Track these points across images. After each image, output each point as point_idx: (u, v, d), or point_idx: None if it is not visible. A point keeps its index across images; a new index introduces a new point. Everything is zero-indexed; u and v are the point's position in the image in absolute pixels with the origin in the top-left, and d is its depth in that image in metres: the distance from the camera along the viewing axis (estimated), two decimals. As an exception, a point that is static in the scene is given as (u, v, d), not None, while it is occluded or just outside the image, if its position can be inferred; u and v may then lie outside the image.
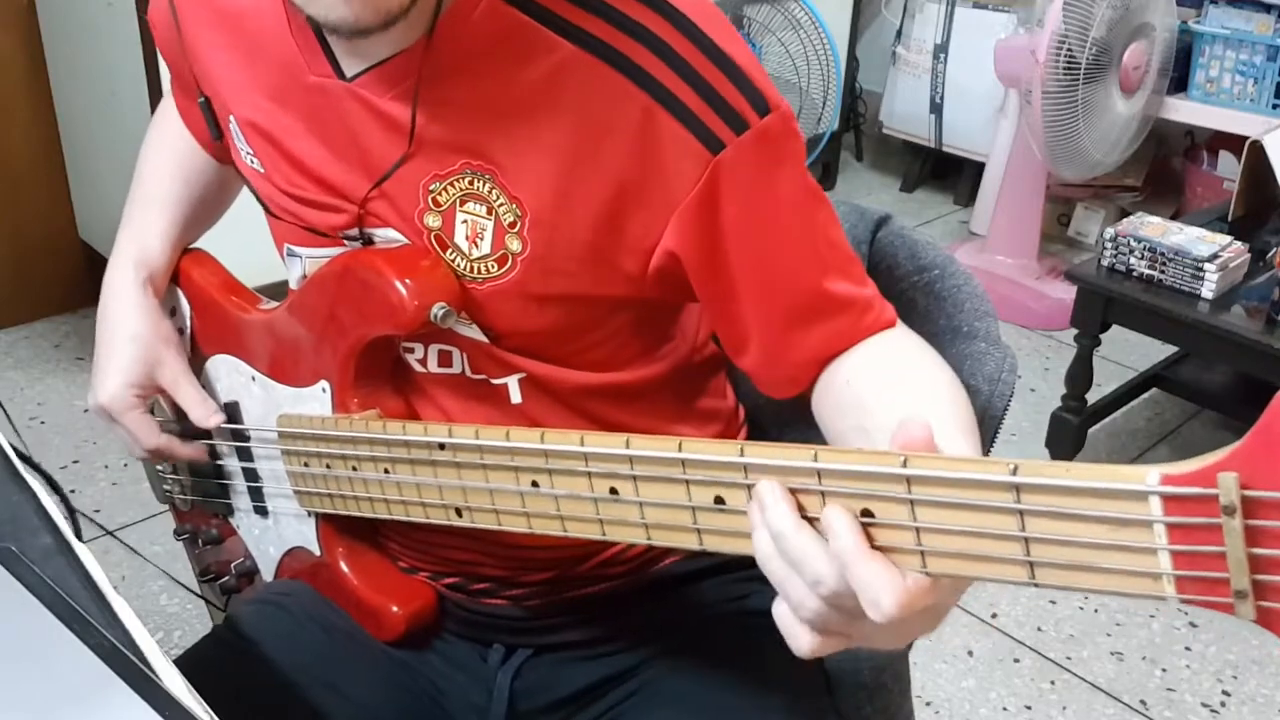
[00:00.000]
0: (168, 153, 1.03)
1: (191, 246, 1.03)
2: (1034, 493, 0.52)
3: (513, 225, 0.77)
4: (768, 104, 0.74)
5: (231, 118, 0.88)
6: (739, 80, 0.74)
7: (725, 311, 0.79)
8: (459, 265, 0.79)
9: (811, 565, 0.57)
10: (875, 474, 0.56)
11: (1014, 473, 0.52)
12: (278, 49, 0.82)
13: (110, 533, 1.10)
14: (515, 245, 0.77)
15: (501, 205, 0.76)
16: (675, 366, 0.88)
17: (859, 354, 0.79)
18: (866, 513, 0.57)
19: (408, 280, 0.78)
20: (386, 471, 0.80)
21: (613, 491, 0.67)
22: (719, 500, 0.63)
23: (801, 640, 0.59)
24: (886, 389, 0.76)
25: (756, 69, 0.75)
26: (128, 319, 0.95)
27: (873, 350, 0.79)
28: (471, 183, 0.77)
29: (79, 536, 0.74)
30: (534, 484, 0.71)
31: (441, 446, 0.75)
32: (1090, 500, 0.51)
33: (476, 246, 0.78)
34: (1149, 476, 0.49)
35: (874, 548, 0.57)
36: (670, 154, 0.73)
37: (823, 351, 0.79)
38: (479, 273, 0.79)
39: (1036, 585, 0.54)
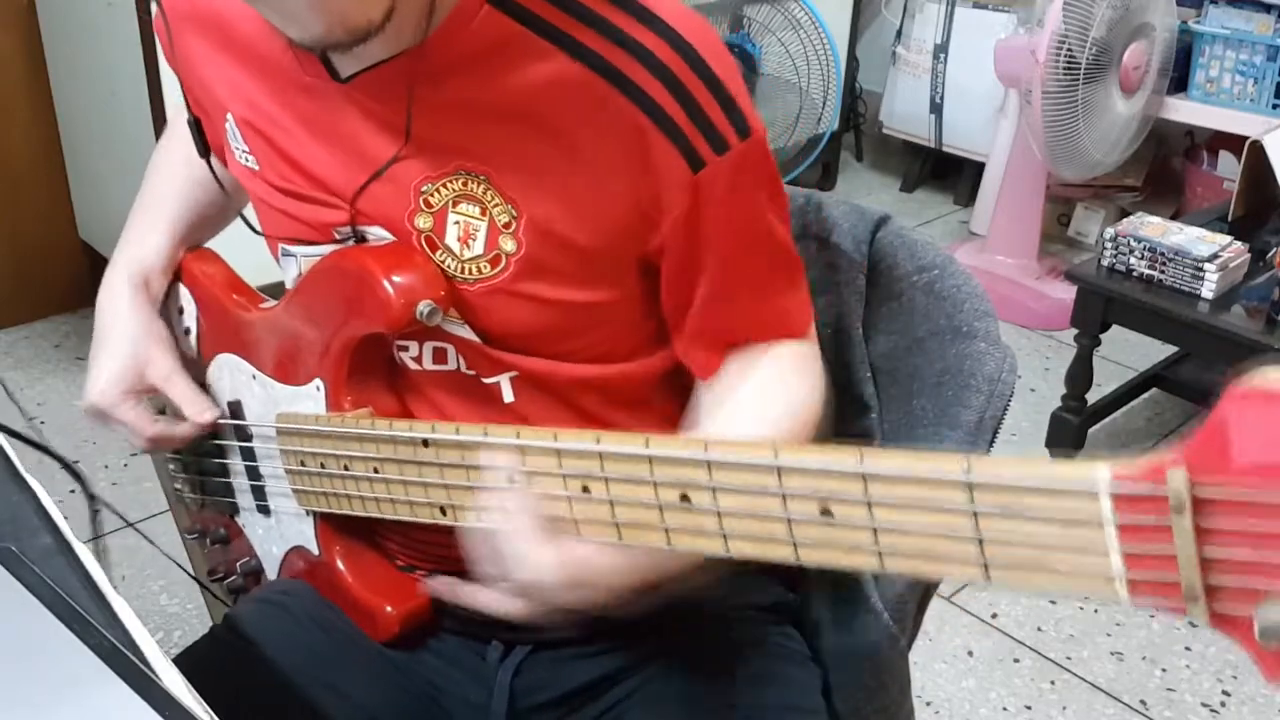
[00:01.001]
0: (176, 157, 1.03)
1: (199, 246, 1.04)
2: (986, 491, 0.52)
3: (508, 226, 0.77)
4: (748, 127, 0.78)
5: (229, 116, 0.88)
6: (725, 102, 0.77)
7: (680, 297, 0.83)
8: (449, 266, 0.80)
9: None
10: (833, 471, 0.57)
11: (968, 470, 0.52)
12: (272, 50, 0.82)
13: (109, 534, 1.10)
14: (509, 245, 0.78)
15: (497, 206, 0.77)
16: (674, 361, 0.88)
17: (754, 356, 0.84)
18: (826, 512, 0.57)
19: (394, 278, 0.78)
20: (376, 471, 0.80)
21: (585, 490, 0.67)
22: (684, 498, 0.63)
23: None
24: (730, 388, 0.84)
25: (741, 91, 0.78)
26: (119, 319, 0.96)
27: (764, 361, 0.84)
28: (465, 184, 0.77)
29: (98, 526, 0.73)
30: (511, 482, 0.71)
31: (425, 443, 0.75)
32: (1041, 499, 0.50)
33: (468, 247, 0.79)
34: (1099, 474, 0.48)
35: (832, 547, 0.59)
36: (660, 168, 0.76)
37: (732, 340, 0.84)
38: (470, 273, 0.79)
39: (991, 585, 0.54)
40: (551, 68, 0.75)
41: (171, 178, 1.03)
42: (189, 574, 1.16)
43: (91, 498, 0.76)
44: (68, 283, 2.69)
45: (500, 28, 0.75)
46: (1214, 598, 0.47)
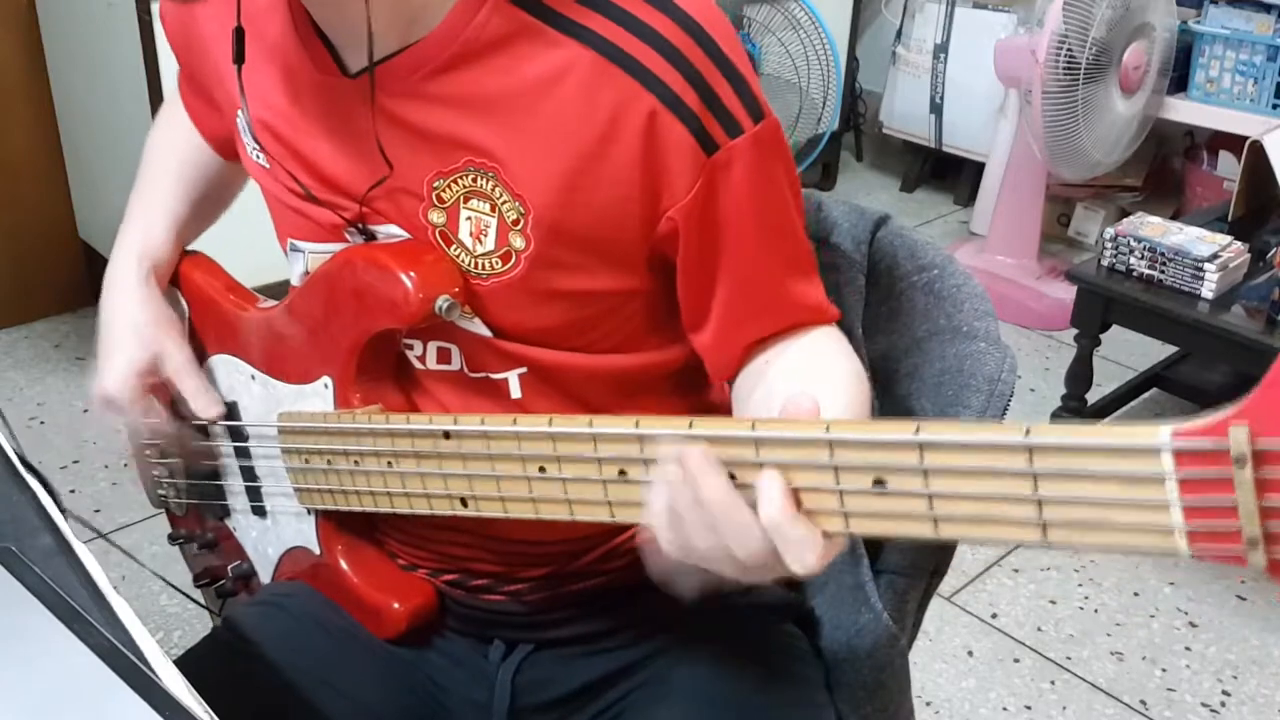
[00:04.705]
0: (171, 149, 1.03)
1: (191, 249, 1.04)
2: (1047, 454, 0.53)
3: (516, 223, 0.77)
4: (761, 110, 0.77)
5: (240, 113, 0.88)
6: (739, 86, 0.76)
7: (698, 293, 0.82)
8: (463, 261, 0.80)
9: (747, 539, 0.62)
10: (888, 442, 0.57)
11: (1027, 434, 0.53)
12: (286, 47, 0.83)
13: (111, 533, 1.10)
14: (519, 242, 0.78)
15: (505, 202, 0.77)
16: (688, 354, 0.88)
17: (785, 342, 0.83)
18: (879, 481, 0.58)
19: (412, 273, 0.78)
20: (390, 465, 0.80)
21: (621, 473, 0.67)
22: (732, 477, 0.63)
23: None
24: (796, 381, 0.80)
25: (753, 76, 0.77)
26: (131, 309, 0.95)
27: (798, 342, 0.83)
28: (475, 180, 0.77)
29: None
30: (541, 469, 0.71)
31: (447, 435, 0.75)
32: (1103, 458, 0.52)
33: (480, 243, 0.79)
34: (1160, 432, 0.51)
35: (885, 517, 0.59)
36: (671, 153, 0.75)
37: (761, 337, 0.83)
38: (483, 269, 0.79)
39: (1049, 545, 0.55)
40: (562, 56, 0.74)
41: (170, 160, 1.02)
42: (172, 584, 1.16)
43: (62, 511, 0.76)
44: (68, 283, 2.69)
45: (509, 19, 0.75)
46: (1273, 544, 0.49)
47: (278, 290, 0.92)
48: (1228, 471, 0.49)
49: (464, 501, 0.77)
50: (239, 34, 0.84)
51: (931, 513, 0.57)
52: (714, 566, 0.65)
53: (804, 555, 0.61)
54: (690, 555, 0.65)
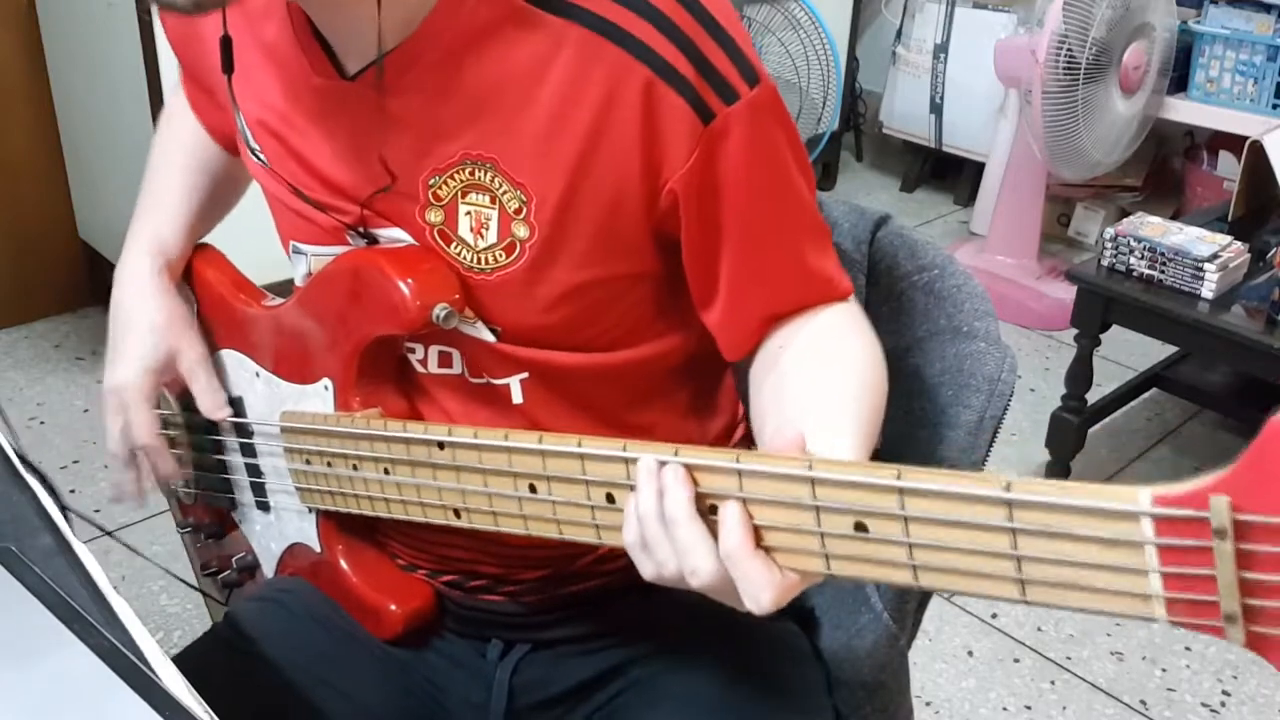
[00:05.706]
0: (178, 145, 1.03)
1: (201, 242, 1.04)
2: (1026, 510, 0.52)
3: (518, 211, 0.77)
4: (756, 75, 0.76)
5: (240, 116, 0.88)
6: (732, 51, 0.75)
7: (704, 266, 0.80)
8: (465, 258, 0.79)
9: (693, 556, 0.63)
10: (869, 484, 0.57)
11: (1007, 489, 0.53)
12: (283, 49, 0.82)
13: (110, 533, 1.10)
14: (522, 231, 0.77)
15: (505, 193, 0.77)
16: (688, 343, 0.88)
17: (800, 321, 0.81)
18: (860, 526, 0.57)
19: (410, 280, 0.78)
20: (386, 471, 0.80)
21: (609, 499, 0.67)
22: (713, 510, 0.63)
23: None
24: (807, 367, 0.79)
25: (746, 41, 0.76)
26: (146, 306, 0.95)
27: (813, 322, 0.81)
28: (473, 173, 0.77)
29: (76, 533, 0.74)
30: (531, 488, 0.71)
31: (441, 446, 0.75)
32: (1082, 519, 0.51)
33: (482, 237, 0.78)
34: (1141, 497, 0.49)
35: (869, 562, 0.58)
36: (668, 124, 0.74)
37: (775, 312, 0.81)
38: (486, 263, 0.79)
39: (1028, 603, 0.54)
40: (552, 37, 0.74)
41: (178, 157, 1.03)
42: (178, 577, 1.16)
43: (64, 509, 0.76)
44: (68, 283, 2.69)
45: (496, 5, 0.74)
46: (1251, 619, 0.48)
47: (285, 287, 0.92)
48: (1207, 543, 0.47)
49: (457, 513, 0.77)
50: (226, 43, 0.83)
51: (911, 561, 0.56)
52: (686, 587, 0.65)
53: (759, 593, 0.61)
54: (663, 580, 0.66)
